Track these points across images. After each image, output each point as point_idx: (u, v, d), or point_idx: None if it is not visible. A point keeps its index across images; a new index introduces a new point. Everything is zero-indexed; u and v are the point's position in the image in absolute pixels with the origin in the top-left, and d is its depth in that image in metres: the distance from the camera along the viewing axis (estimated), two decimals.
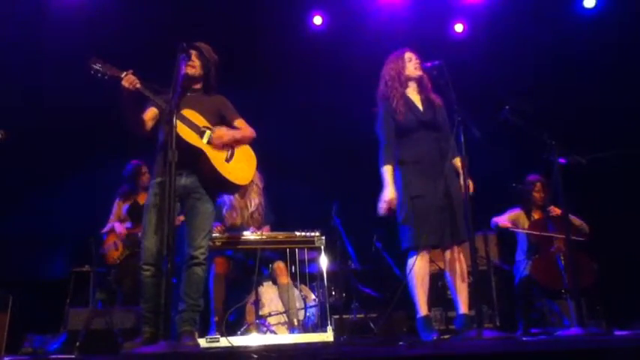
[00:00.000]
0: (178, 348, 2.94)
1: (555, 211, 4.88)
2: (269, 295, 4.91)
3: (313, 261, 5.05)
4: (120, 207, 5.37)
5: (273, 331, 4.59)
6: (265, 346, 3.66)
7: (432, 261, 3.89)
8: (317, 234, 4.59)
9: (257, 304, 4.73)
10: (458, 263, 3.68)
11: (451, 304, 4.98)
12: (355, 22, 6.72)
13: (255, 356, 2.44)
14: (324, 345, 3.90)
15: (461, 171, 3.52)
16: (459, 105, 3.55)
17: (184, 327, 3.35)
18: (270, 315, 4.79)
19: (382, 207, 3.68)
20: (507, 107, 4.07)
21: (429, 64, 3.82)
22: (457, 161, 3.69)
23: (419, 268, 3.66)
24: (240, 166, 3.63)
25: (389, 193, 3.66)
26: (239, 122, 3.72)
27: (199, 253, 3.42)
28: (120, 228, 5.22)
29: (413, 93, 3.92)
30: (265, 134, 3.87)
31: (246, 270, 4.88)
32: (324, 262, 4.73)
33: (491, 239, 5.62)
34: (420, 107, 3.86)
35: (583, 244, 4.75)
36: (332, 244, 4.98)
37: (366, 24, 6.68)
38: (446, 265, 3.74)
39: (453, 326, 4.95)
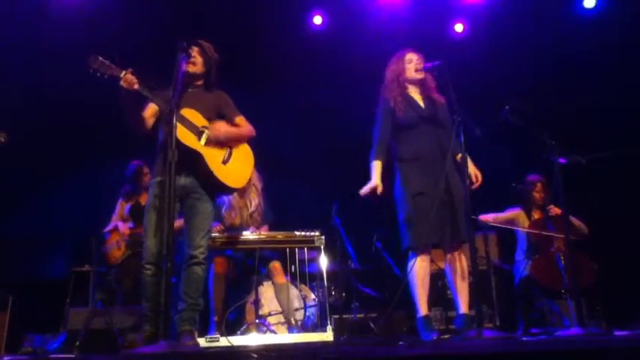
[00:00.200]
0: (178, 347, 2.94)
1: (555, 210, 4.88)
2: (269, 294, 4.91)
3: (313, 261, 5.05)
4: (122, 207, 5.37)
5: (272, 331, 4.59)
6: (265, 345, 3.65)
7: (432, 261, 3.88)
8: (317, 234, 4.59)
9: (257, 303, 4.73)
10: (459, 263, 3.68)
11: (451, 304, 4.98)
12: (355, 22, 6.71)
13: (255, 356, 2.44)
14: (323, 345, 3.89)
15: (461, 167, 3.52)
16: (459, 105, 3.55)
17: (184, 326, 3.35)
18: (269, 315, 4.79)
19: (365, 189, 3.68)
20: (507, 107, 4.07)
21: (429, 65, 3.82)
22: (458, 157, 3.68)
23: (419, 267, 3.66)
24: (237, 169, 3.62)
25: (373, 183, 3.68)
26: (239, 119, 3.72)
27: (199, 253, 3.43)
28: (123, 227, 5.22)
29: (414, 93, 3.91)
30: (265, 134, 3.87)
31: (246, 270, 4.89)
32: (323, 261, 4.73)
33: (492, 239, 5.62)
34: (421, 104, 3.86)
35: (583, 244, 4.74)
36: (332, 244, 4.98)
37: (366, 24, 6.68)
38: (447, 265, 3.74)
39: (453, 326, 4.95)
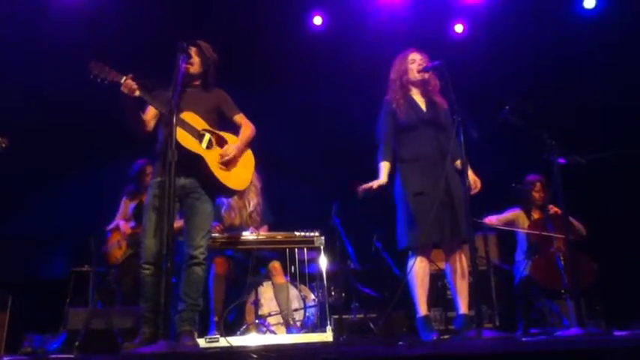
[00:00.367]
0: (178, 348, 2.94)
1: (554, 209, 4.88)
2: (268, 295, 4.91)
3: (313, 261, 5.05)
4: (127, 206, 5.36)
5: (272, 331, 4.59)
6: (264, 346, 3.65)
7: (431, 261, 3.88)
8: (316, 234, 4.60)
9: (256, 303, 4.73)
10: (459, 263, 3.68)
11: (451, 304, 4.97)
12: (355, 23, 6.71)
13: (255, 356, 2.44)
14: (323, 345, 3.89)
15: (462, 170, 3.52)
16: (458, 105, 3.55)
17: (184, 327, 3.35)
18: (269, 315, 4.80)
19: (367, 185, 3.68)
20: (507, 107, 4.07)
21: (429, 65, 3.82)
22: (458, 164, 3.68)
23: (419, 268, 3.66)
24: (238, 171, 3.63)
25: (380, 181, 3.68)
26: (239, 118, 3.73)
27: (199, 253, 3.43)
28: (124, 227, 5.22)
29: (417, 95, 3.91)
30: (265, 134, 3.87)
31: (246, 270, 4.88)
32: (323, 262, 4.73)
33: (491, 239, 5.62)
34: (423, 107, 3.86)
35: (582, 244, 4.75)
36: (331, 244, 4.98)
37: (366, 24, 6.67)
38: (447, 265, 3.74)
39: (453, 326, 4.95)
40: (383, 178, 3.70)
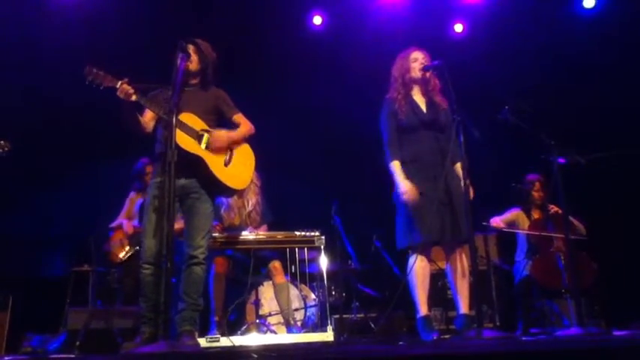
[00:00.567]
0: (178, 347, 2.94)
1: (554, 209, 4.88)
2: (269, 294, 4.92)
3: (313, 261, 5.06)
4: (133, 203, 5.34)
5: (273, 331, 4.60)
6: (265, 345, 3.66)
7: (431, 261, 3.88)
8: (317, 234, 4.60)
9: (257, 303, 4.73)
10: (459, 262, 3.68)
11: (451, 304, 4.97)
12: (355, 23, 6.71)
13: (255, 356, 2.44)
14: (324, 344, 3.90)
15: (461, 174, 3.52)
16: (458, 105, 3.55)
17: (184, 327, 3.35)
18: (270, 315, 4.80)
19: (408, 197, 3.61)
20: (507, 107, 4.07)
21: (429, 64, 3.82)
22: (458, 167, 3.68)
23: (419, 267, 3.66)
24: (238, 170, 3.63)
25: (405, 184, 3.63)
26: (238, 117, 3.73)
27: (199, 253, 3.43)
28: (127, 226, 5.21)
29: (418, 95, 3.91)
30: (265, 134, 3.87)
31: (246, 270, 4.88)
32: (323, 261, 4.74)
33: (491, 239, 5.62)
34: (424, 108, 3.85)
35: (583, 243, 4.75)
36: (332, 244, 4.98)
37: (366, 24, 6.68)
38: (447, 265, 3.74)
39: (453, 326, 4.95)
40: (405, 181, 3.64)
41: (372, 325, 5.04)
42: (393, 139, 3.78)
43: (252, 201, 5.07)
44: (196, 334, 3.45)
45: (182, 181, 3.42)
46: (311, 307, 4.97)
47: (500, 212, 5.24)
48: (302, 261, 4.81)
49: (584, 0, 6.66)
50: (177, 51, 3.37)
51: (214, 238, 4.40)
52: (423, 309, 3.65)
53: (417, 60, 3.88)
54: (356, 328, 5.06)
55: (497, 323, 5.18)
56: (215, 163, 3.52)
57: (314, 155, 6.50)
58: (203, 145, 3.51)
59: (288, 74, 6.47)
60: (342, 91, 6.25)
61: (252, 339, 4.06)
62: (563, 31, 6.56)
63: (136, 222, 5.21)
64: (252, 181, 4.95)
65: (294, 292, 4.96)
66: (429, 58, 3.88)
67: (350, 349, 3.06)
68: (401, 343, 3.63)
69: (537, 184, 5.15)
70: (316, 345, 3.88)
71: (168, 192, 3.00)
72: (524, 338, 3.76)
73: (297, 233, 4.61)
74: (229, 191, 3.68)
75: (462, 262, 3.68)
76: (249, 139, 3.75)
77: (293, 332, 4.54)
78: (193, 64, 3.59)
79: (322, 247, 4.61)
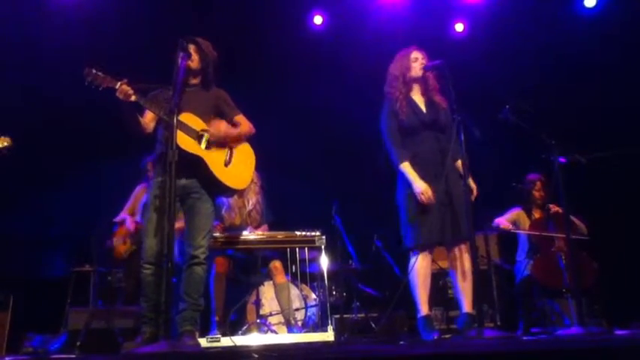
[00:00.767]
0: (179, 347, 2.94)
1: (555, 208, 4.88)
2: (269, 294, 4.92)
3: (314, 260, 5.06)
4: (138, 198, 5.31)
5: (273, 331, 4.60)
6: (266, 345, 3.66)
7: (433, 260, 3.87)
8: (317, 233, 4.60)
9: (258, 303, 4.73)
10: (462, 262, 3.67)
11: (452, 304, 4.97)
12: (355, 22, 6.71)
13: (256, 356, 2.44)
14: (324, 344, 3.90)
15: (462, 172, 3.52)
16: (458, 105, 3.55)
17: (185, 327, 3.35)
18: (270, 315, 4.80)
19: (425, 197, 3.59)
20: (507, 107, 4.07)
21: (429, 64, 3.82)
22: (459, 164, 3.68)
23: (420, 267, 3.66)
24: (239, 170, 3.63)
25: (421, 184, 3.61)
26: (238, 118, 3.72)
27: (200, 253, 3.43)
28: (130, 222, 5.21)
29: (417, 94, 3.91)
30: (265, 134, 3.87)
31: (247, 269, 4.89)
32: (324, 261, 4.74)
33: (492, 239, 5.61)
34: (424, 108, 3.85)
35: (584, 243, 4.75)
36: (332, 244, 4.98)
37: (366, 24, 6.68)
38: (450, 264, 3.74)
39: (454, 326, 4.95)
40: (419, 182, 3.62)
41: (373, 325, 5.04)
42: (397, 139, 3.77)
43: (252, 200, 5.07)
44: (197, 334, 3.45)
45: (183, 181, 3.42)
46: (312, 307, 4.97)
47: (500, 212, 5.24)
48: (303, 261, 4.81)
49: None
50: (178, 50, 3.37)
51: (215, 238, 4.40)
52: (423, 308, 3.66)
53: (417, 60, 3.88)
54: (357, 328, 5.06)
55: (498, 323, 5.17)
56: (215, 163, 3.51)
57: (314, 155, 6.50)
58: (203, 146, 3.50)
59: (289, 74, 6.47)
60: (342, 91, 6.25)
61: (252, 339, 4.06)
62: (564, 30, 6.56)
63: (139, 217, 5.20)
64: (252, 180, 4.96)
65: (294, 291, 4.96)
66: (427, 58, 3.88)
67: (351, 349, 3.06)
68: (402, 342, 3.63)
69: (538, 183, 5.15)
70: (317, 345, 3.88)
71: (169, 192, 3.00)
72: (525, 338, 3.75)
73: (298, 233, 4.61)
74: (230, 191, 3.68)
75: (464, 262, 3.67)
76: (250, 139, 3.75)
77: (294, 332, 4.54)
78: (194, 63, 3.58)
79: (323, 246, 4.61)
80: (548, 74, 6.59)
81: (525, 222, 5.11)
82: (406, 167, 3.70)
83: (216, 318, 4.59)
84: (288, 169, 6.21)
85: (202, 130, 3.52)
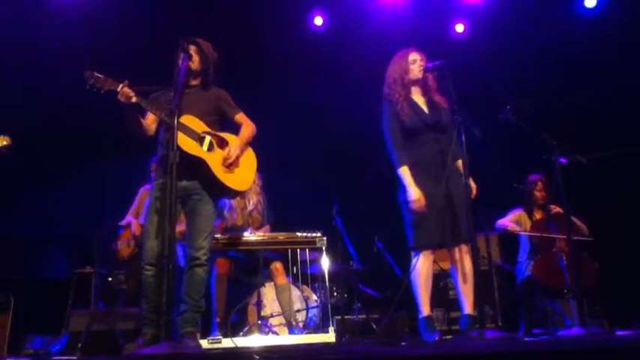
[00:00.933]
0: (180, 349, 2.94)
1: (556, 208, 4.88)
2: (271, 295, 4.91)
3: (315, 261, 5.05)
4: (143, 199, 5.32)
5: (274, 332, 4.59)
6: (267, 346, 3.66)
7: (434, 261, 3.87)
8: (318, 235, 4.60)
9: (259, 304, 4.73)
10: (463, 263, 3.67)
11: (453, 305, 4.97)
12: (356, 23, 6.71)
13: (257, 357, 2.44)
14: (326, 346, 3.90)
15: (462, 172, 3.52)
16: (459, 105, 3.54)
17: (186, 328, 3.35)
18: (272, 316, 4.80)
19: (417, 206, 3.60)
20: (508, 107, 4.07)
21: (430, 65, 3.81)
22: (459, 163, 3.68)
23: (422, 268, 3.66)
24: (240, 171, 3.63)
25: (415, 192, 3.62)
26: (239, 117, 3.73)
27: (201, 254, 3.43)
28: (135, 226, 5.21)
29: (417, 95, 3.90)
30: (266, 134, 3.87)
31: (248, 271, 4.88)
32: (325, 262, 4.74)
33: (493, 239, 5.61)
34: (425, 109, 3.84)
35: (585, 243, 4.74)
36: (333, 245, 4.98)
37: (366, 24, 6.67)
38: (452, 266, 3.74)
39: (455, 327, 4.95)
40: (415, 189, 3.62)
41: (374, 326, 5.04)
42: (399, 142, 3.76)
43: (252, 200, 5.07)
44: (198, 335, 3.45)
45: (184, 183, 3.42)
46: (313, 308, 4.97)
47: (501, 213, 5.24)
48: (304, 262, 4.81)
49: None
50: (179, 51, 3.37)
51: (216, 239, 4.40)
52: (425, 309, 3.65)
53: (415, 61, 3.87)
54: (358, 329, 5.06)
55: (500, 324, 5.17)
56: (217, 165, 3.51)
57: (315, 155, 6.50)
58: (205, 147, 3.50)
59: (289, 74, 6.46)
60: (342, 91, 6.24)
61: (254, 340, 4.06)
62: (564, 30, 6.55)
63: (142, 219, 5.20)
64: (253, 181, 4.95)
65: (295, 293, 4.95)
66: (425, 59, 3.87)
67: (352, 350, 3.06)
68: (403, 343, 3.63)
69: (540, 183, 5.14)
70: (318, 346, 3.88)
71: (170, 194, 3.00)
72: (526, 338, 3.76)
73: (299, 234, 4.61)
74: (231, 193, 3.67)
75: (466, 263, 3.67)
76: (251, 140, 3.75)
77: (295, 333, 4.53)
78: (195, 64, 3.59)
79: (324, 247, 4.61)
80: (548, 74, 6.58)
81: (527, 223, 5.11)
82: (404, 172, 3.69)
83: (218, 319, 4.59)
84: (288, 170, 6.21)
85: (204, 133, 3.52)
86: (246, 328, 4.61)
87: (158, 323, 3.21)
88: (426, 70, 3.83)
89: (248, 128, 3.71)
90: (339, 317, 4.98)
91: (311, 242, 4.59)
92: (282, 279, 4.84)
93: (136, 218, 5.27)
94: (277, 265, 4.86)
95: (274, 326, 4.70)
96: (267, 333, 4.52)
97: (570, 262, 4.41)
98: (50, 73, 5.76)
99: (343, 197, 5.33)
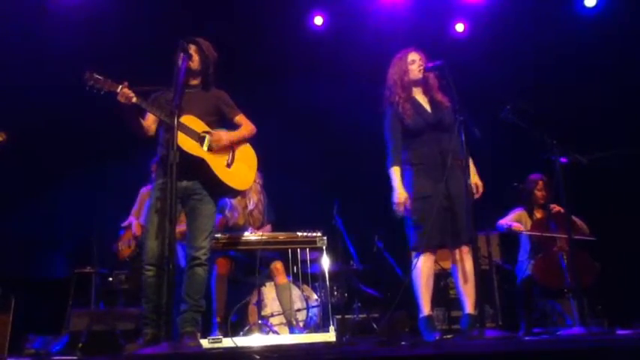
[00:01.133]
0: (180, 349, 2.95)
1: (556, 208, 4.88)
2: (271, 295, 4.92)
3: (315, 261, 5.05)
4: (144, 199, 5.33)
5: (275, 332, 4.59)
6: (267, 346, 3.65)
7: (435, 261, 3.87)
8: (319, 234, 4.60)
9: (259, 304, 4.73)
10: (464, 263, 3.67)
11: (454, 304, 4.97)
12: (356, 23, 6.71)
13: (258, 357, 2.44)
14: (326, 345, 3.90)
15: (464, 170, 3.52)
16: (460, 105, 3.54)
17: (186, 328, 3.35)
18: (272, 315, 4.80)
19: (398, 209, 3.65)
20: (508, 107, 4.07)
21: (430, 65, 3.81)
22: (462, 163, 3.67)
23: (424, 268, 3.66)
24: (241, 171, 3.63)
25: (400, 194, 3.64)
26: (239, 118, 3.73)
27: (201, 254, 3.43)
28: (136, 227, 5.21)
29: (419, 95, 3.89)
30: (266, 134, 3.87)
31: (248, 270, 4.88)
32: (325, 262, 4.73)
33: (493, 239, 5.61)
34: (428, 108, 3.84)
35: (585, 243, 4.74)
36: (334, 244, 4.98)
37: (366, 24, 6.67)
38: (453, 265, 3.74)
39: (456, 326, 4.95)
40: (400, 190, 3.65)
41: (374, 326, 5.04)
42: (398, 145, 3.77)
43: (253, 200, 5.07)
44: (198, 335, 3.46)
45: (184, 183, 3.42)
46: (313, 307, 4.97)
47: (502, 212, 5.24)
48: (304, 261, 4.81)
49: None
50: (179, 51, 3.37)
51: (216, 239, 4.40)
52: (425, 309, 3.66)
53: (415, 62, 3.86)
54: (358, 328, 5.07)
55: (500, 323, 5.17)
56: (217, 165, 3.52)
57: (315, 155, 6.50)
58: (205, 147, 3.50)
59: (289, 74, 6.46)
60: (342, 91, 6.25)
61: (254, 340, 4.06)
62: (564, 30, 6.55)
63: (143, 220, 5.20)
64: (254, 180, 4.95)
65: (296, 292, 4.96)
66: (425, 59, 3.87)
67: (352, 350, 3.06)
68: (403, 343, 3.63)
69: (540, 183, 5.14)
70: (318, 345, 3.88)
71: (170, 194, 3.00)
72: (526, 338, 3.76)
73: (299, 234, 4.61)
74: (232, 192, 3.68)
75: (467, 263, 3.67)
76: (251, 141, 3.74)
77: (295, 333, 4.53)
78: (195, 64, 3.58)
79: (324, 247, 4.61)
80: (548, 74, 6.58)
81: (527, 222, 5.11)
82: (394, 172, 3.71)
83: (218, 319, 4.59)
84: (288, 170, 6.20)
85: (204, 132, 3.52)
86: (247, 328, 4.61)
87: (158, 323, 3.22)
88: (426, 70, 3.82)
89: (247, 128, 3.71)
90: (339, 317, 4.98)
91: (311, 242, 4.59)
92: (282, 278, 4.84)
93: (137, 219, 5.27)
94: (277, 265, 4.86)
95: (275, 326, 4.70)
96: (267, 332, 4.52)
97: (570, 262, 4.41)
98: (50, 73, 5.76)
99: (343, 197, 5.33)
